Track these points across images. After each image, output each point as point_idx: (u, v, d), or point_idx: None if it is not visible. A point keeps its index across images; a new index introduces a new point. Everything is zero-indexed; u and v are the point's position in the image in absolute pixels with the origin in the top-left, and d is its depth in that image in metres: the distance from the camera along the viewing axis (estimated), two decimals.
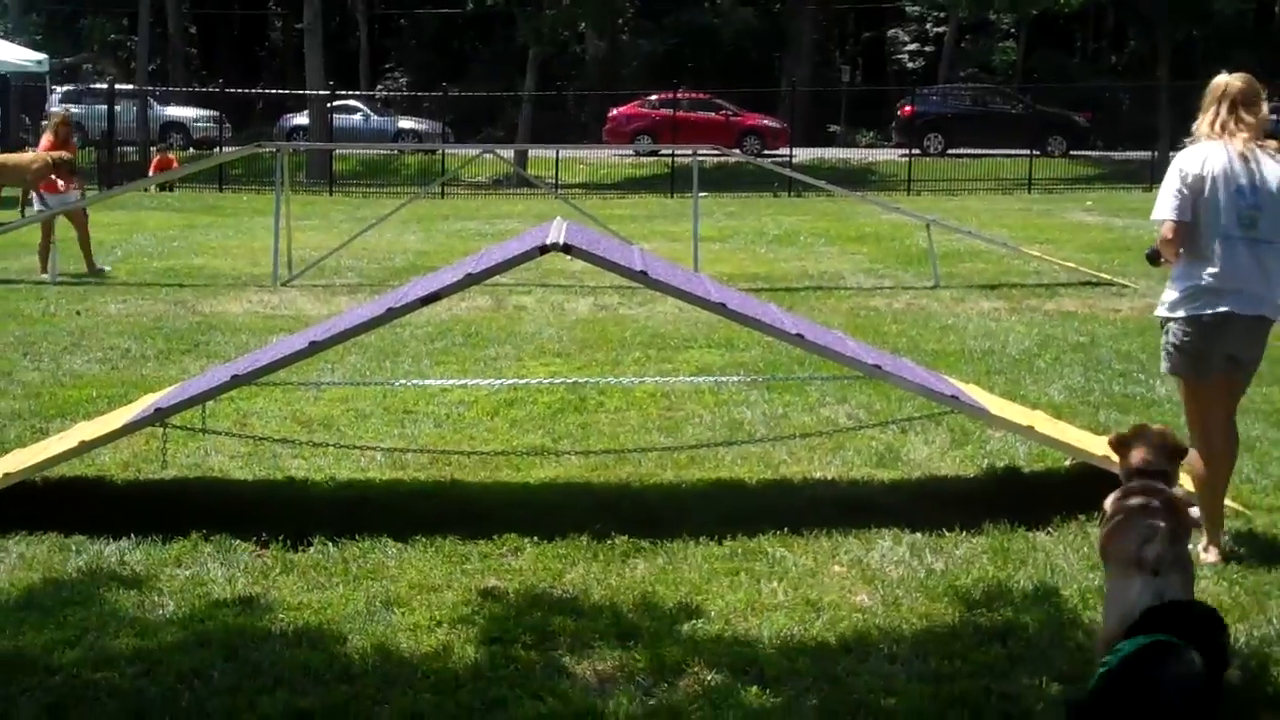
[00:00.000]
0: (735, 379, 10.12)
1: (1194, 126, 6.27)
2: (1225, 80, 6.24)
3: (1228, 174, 6.06)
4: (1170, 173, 6.19)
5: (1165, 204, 6.13)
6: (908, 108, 41.01)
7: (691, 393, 9.74)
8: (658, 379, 10.17)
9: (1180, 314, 6.19)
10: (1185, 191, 6.10)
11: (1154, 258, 6.36)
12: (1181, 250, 6.15)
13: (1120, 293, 14.95)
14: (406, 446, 8.26)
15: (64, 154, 16.65)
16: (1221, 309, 6.10)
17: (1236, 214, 6.05)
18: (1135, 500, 4.86)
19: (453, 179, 32.70)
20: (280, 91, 44.60)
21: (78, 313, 13.36)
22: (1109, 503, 4.99)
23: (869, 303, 14.46)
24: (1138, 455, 5.03)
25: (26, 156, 17.21)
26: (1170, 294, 6.26)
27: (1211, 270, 6.08)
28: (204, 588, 5.93)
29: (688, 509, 6.98)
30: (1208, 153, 6.12)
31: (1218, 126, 6.17)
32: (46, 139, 17.09)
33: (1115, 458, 5.25)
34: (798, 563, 6.17)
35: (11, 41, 34.16)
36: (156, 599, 5.79)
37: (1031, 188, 33.87)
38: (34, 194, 17.03)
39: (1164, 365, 6.40)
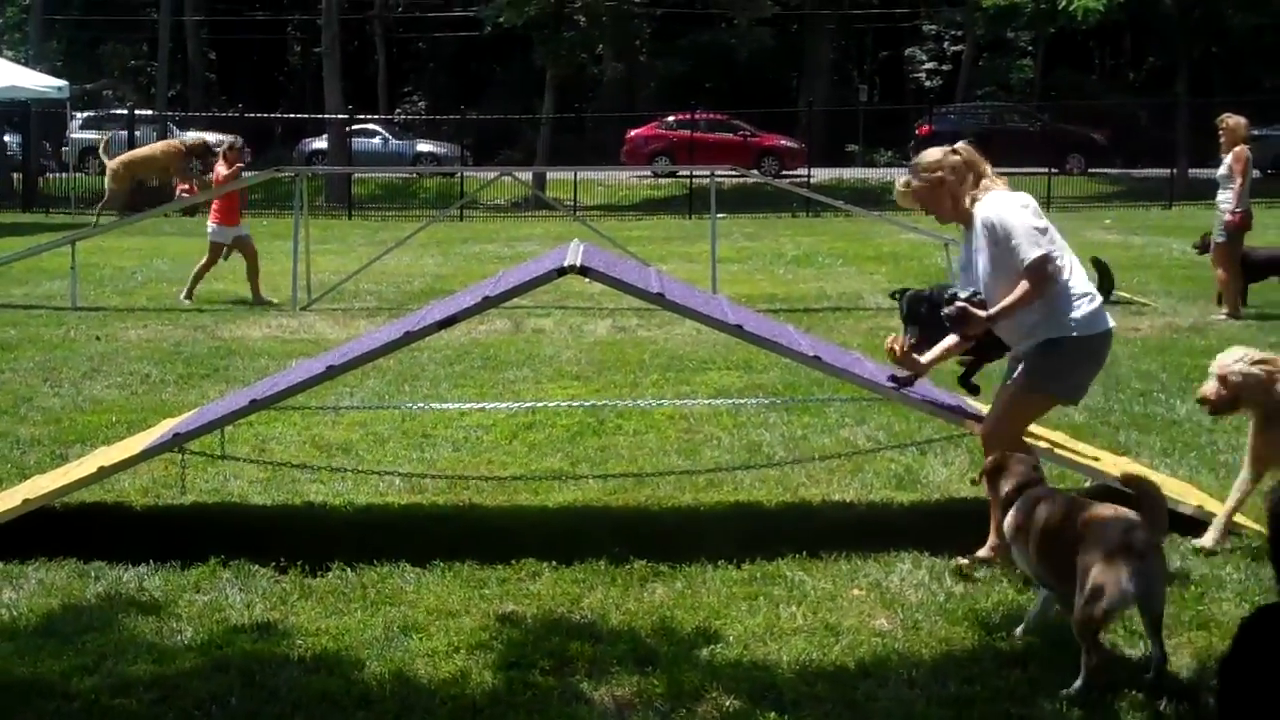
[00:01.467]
0: (754, 401, 10.10)
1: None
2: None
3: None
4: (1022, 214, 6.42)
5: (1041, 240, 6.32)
6: (926, 126, 40.95)
7: (710, 415, 9.72)
8: (676, 401, 10.15)
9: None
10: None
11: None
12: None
13: (1140, 311, 14.90)
14: (425, 471, 8.26)
15: (203, 139, 16.64)
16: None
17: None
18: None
19: (471, 202, 32.75)
20: (299, 116, 44.76)
21: (97, 338, 13.41)
22: (1015, 520, 5.51)
23: (888, 323, 14.38)
24: (1014, 477, 5.67)
25: (159, 146, 17.06)
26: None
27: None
28: (222, 613, 5.93)
29: (706, 532, 6.96)
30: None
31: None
32: (219, 168, 17.37)
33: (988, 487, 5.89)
34: (817, 586, 6.15)
35: (32, 68, 34.33)
36: (175, 625, 5.79)
37: (1050, 206, 33.68)
38: (178, 192, 16.94)
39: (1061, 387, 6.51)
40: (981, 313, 6.29)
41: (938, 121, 41.31)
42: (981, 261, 6.39)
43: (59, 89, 31.72)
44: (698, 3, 43.85)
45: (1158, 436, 8.84)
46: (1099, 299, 6.47)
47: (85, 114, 42.46)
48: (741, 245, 23.38)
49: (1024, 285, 6.19)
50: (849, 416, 9.56)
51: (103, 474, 6.85)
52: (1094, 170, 39.49)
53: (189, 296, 16.19)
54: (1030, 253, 6.21)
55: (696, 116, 39.82)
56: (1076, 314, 6.31)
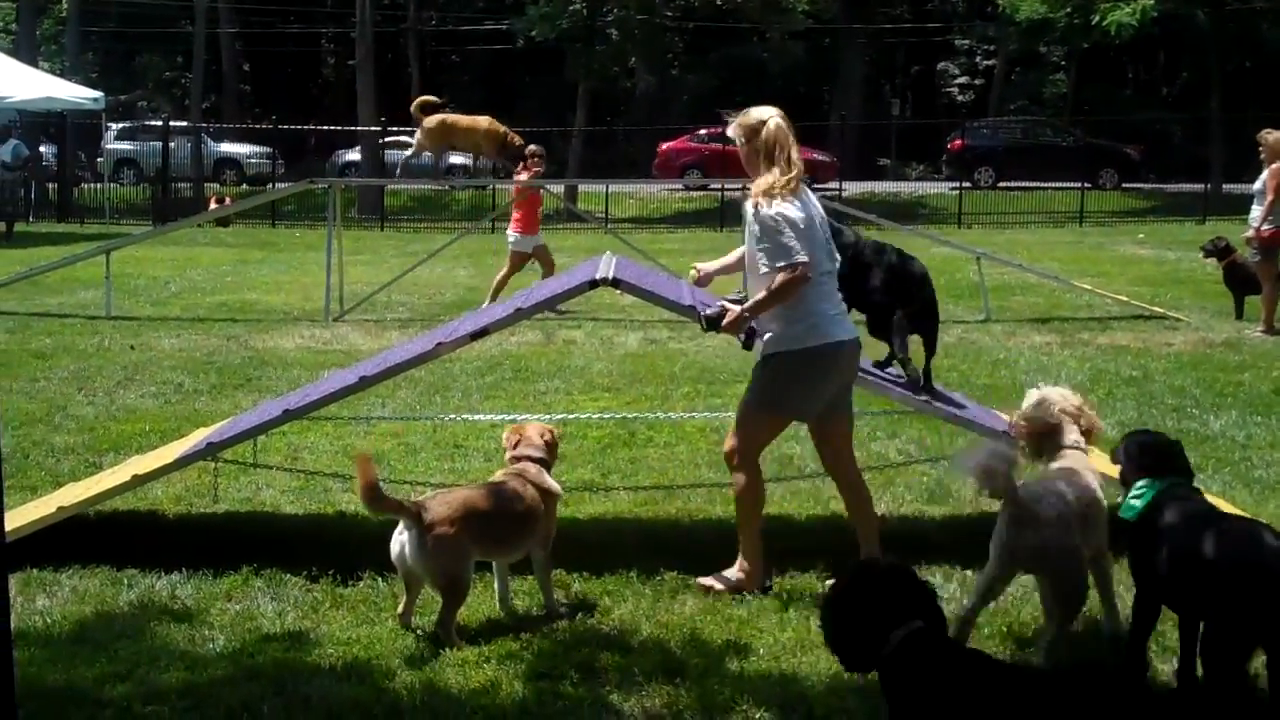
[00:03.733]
0: None
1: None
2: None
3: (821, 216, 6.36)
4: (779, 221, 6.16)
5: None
6: (958, 141, 40.95)
7: None
8: (707, 414, 10.16)
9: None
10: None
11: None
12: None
13: (1174, 326, 14.84)
14: (456, 482, 8.26)
15: (516, 138, 16.67)
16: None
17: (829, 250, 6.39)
18: None
19: (503, 214, 32.77)
20: (332, 128, 44.95)
21: (131, 347, 13.48)
22: None
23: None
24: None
25: (483, 121, 16.94)
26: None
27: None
28: (254, 622, 5.95)
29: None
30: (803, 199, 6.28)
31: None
32: (520, 174, 17.32)
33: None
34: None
35: (68, 79, 34.57)
36: (207, 633, 5.82)
37: (1083, 221, 33.73)
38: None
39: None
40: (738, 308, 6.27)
41: (970, 136, 41.26)
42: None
43: (94, 100, 31.90)
44: (730, 16, 43.81)
45: (1192, 452, 8.74)
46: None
47: (120, 125, 42.74)
48: None
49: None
50: (880, 430, 9.54)
51: (136, 482, 6.88)
52: (1127, 185, 39.35)
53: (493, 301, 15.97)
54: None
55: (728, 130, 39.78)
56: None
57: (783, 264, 6.07)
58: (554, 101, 46.74)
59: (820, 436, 6.61)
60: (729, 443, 6.50)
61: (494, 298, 16.00)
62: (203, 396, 11.14)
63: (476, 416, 10.08)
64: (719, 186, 35.08)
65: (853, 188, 36.87)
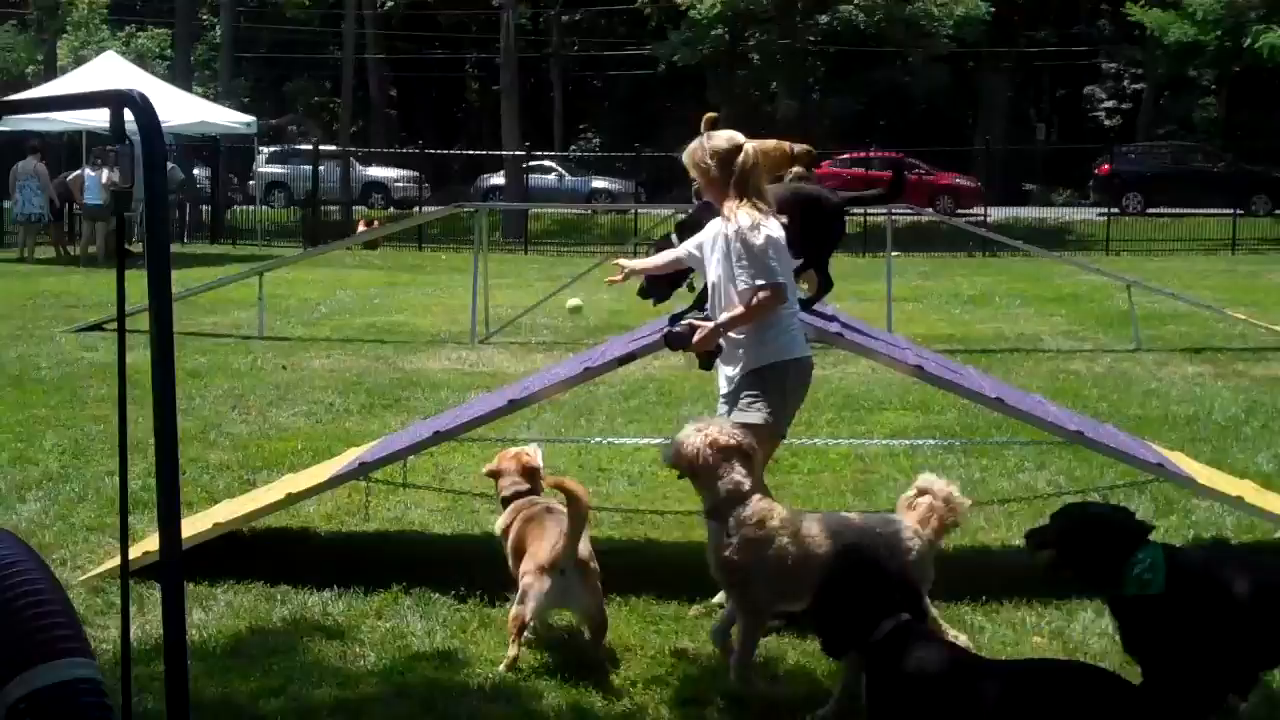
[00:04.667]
0: (931, 442, 10.00)
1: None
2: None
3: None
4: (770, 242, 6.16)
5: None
6: (1105, 166, 40.29)
7: (886, 455, 9.65)
8: (851, 441, 10.09)
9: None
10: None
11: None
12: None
13: None
14: (600, 505, 8.30)
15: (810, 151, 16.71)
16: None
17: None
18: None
19: (646, 238, 32.95)
20: (477, 152, 45.55)
21: (283, 367, 13.75)
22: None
23: (1068, 366, 14.19)
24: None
25: (769, 143, 16.84)
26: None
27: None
28: (404, 640, 6.04)
29: None
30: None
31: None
32: None
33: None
34: (997, 633, 6.06)
35: (221, 105, 35.45)
36: (358, 650, 5.91)
37: (1235, 248, 32.97)
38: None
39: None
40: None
41: (1118, 160, 40.58)
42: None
43: (247, 124, 32.70)
44: (872, 40, 43.59)
45: None
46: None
47: (271, 149, 43.71)
48: (916, 284, 23.18)
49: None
50: (1029, 460, 9.41)
51: (290, 500, 7.02)
52: None
53: None
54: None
55: (870, 154, 39.61)
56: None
57: (764, 283, 6.10)
58: (695, 126, 46.74)
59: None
60: None
61: None
62: (353, 416, 11.33)
63: (621, 440, 10.12)
64: (861, 211, 34.85)
65: (997, 213, 36.45)
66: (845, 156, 41.36)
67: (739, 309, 6.16)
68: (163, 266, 2.81)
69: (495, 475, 6.48)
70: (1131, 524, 4.93)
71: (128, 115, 2.93)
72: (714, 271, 6.33)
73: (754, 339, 6.27)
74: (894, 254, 18.26)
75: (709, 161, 6.33)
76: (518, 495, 6.29)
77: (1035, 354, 15.10)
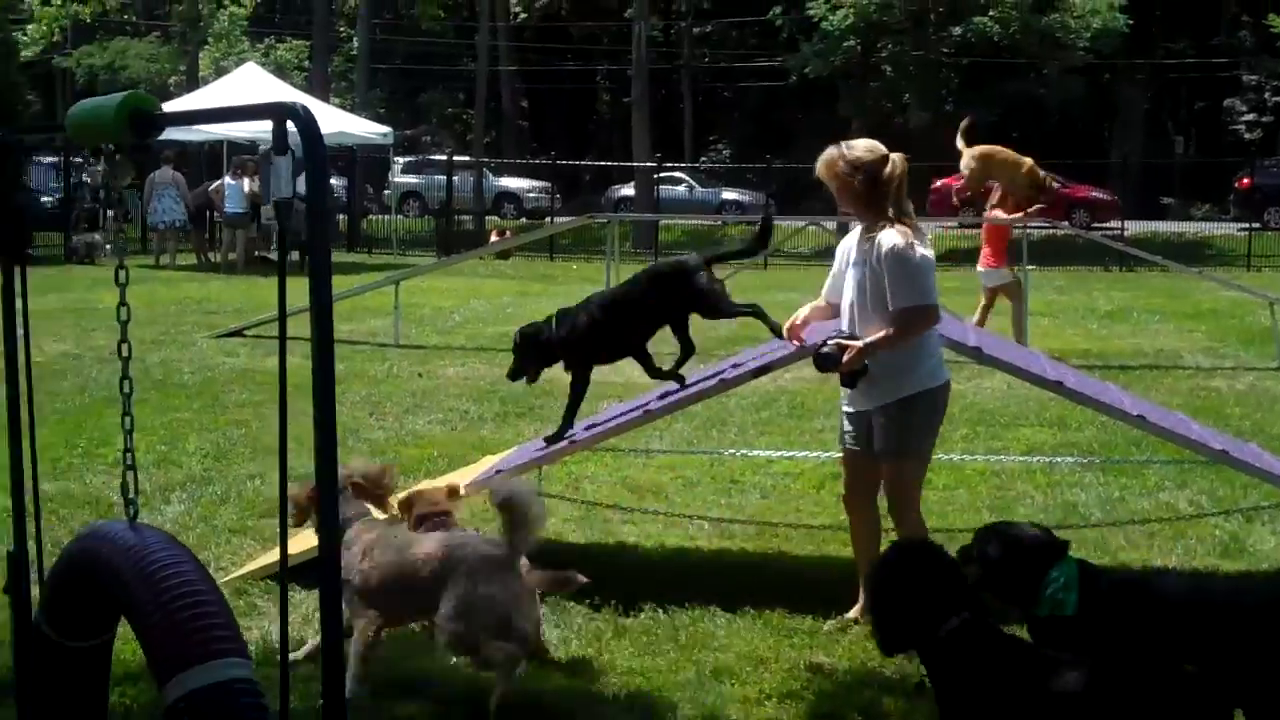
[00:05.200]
0: (1069, 460, 9.85)
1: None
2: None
3: None
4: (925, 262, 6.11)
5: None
6: (1246, 179, 39.40)
7: (1022, 472, 9.53)
8: (988, 457, 9.98)
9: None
10: None
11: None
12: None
13: None
14: (734, 517, 8.31)
15: (1052, 181, 16.55)
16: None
17: None
18: None
19: (776, 250, 32.87)
20: (608, 163, 45.78)
21: (419, 375, 13.92)
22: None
23: (1209, 383, 13.89)
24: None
25: (1026, 161, 16.77)
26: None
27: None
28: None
29: None
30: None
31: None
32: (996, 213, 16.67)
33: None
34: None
35: (358, 115, 36.00)
36: None
37: None
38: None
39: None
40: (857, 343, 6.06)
41: (1259, 174, 39.69)
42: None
43: (383, 135, 33.15)
44: (1007, 51, 43.08)
45: None
46: None
47: (405, 159, 44.30)
48: (1051, 298, 22.84)
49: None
50: (1169, 479, 9.23)
51: None
52: None
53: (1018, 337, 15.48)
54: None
55: None
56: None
57: (918, 305, 5.99)
58: (826, 137, 46.50)
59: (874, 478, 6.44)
60: (896, 516, 6.28)
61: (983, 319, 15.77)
62: (487, 424, 11.43)
63: (755, 452, 10.11)
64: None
65: (1134, 227, 35.83)
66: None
67: (890, 330, 6.00)
68: (324, 272, 2.87)
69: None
70: (1048, 543, 4.91)
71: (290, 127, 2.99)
72: (853, 290, 6.21)
73: (908, 363, 6.10)
74: (1029, 268, 18.01)
75: (851, 173, 6.16)
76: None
77: (1175, 371, 14.81)
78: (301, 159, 2.95)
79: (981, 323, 15.66)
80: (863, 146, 6.25)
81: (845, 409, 6.45)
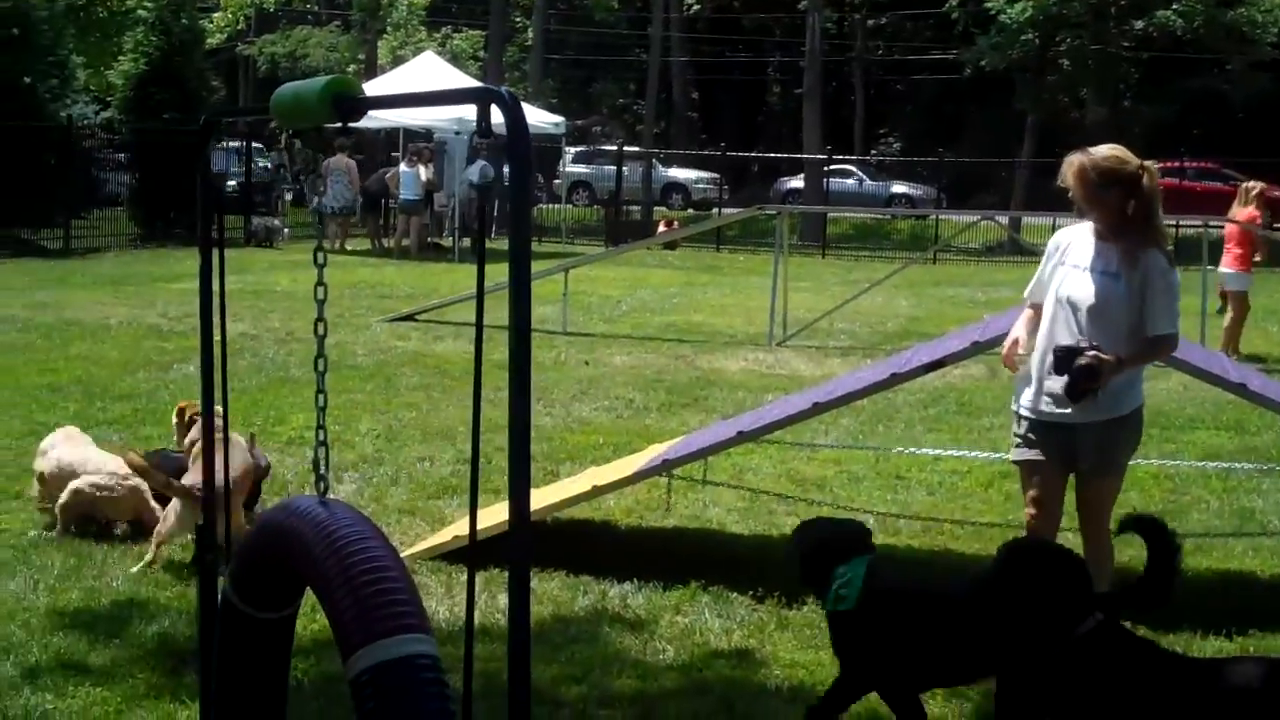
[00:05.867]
0: (1247, 466, 9.59)
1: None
2: None
3: None
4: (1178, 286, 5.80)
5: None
6: None
7: (1198, 477, 9.32)
8: (1161, 460, 9.76)
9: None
10: None
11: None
12: None
13: None
14: (900, 512, 8.25)
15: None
16: None
17: None
18: None
19: (946, 245, 32.51)
20: (777, 155, 45.63)
21: (586, 363, 14.04)
22: None
23: None
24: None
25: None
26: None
27: None
28: (702, 636, 6.11)
29: (1194, 599, 6.64)
30: None
31: None
32: (1246, 211, 16.64)
33: None
34: None
35: (532, 104, 36.35)
36: (657, 644, 6.01)
37: None
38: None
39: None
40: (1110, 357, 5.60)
41: None
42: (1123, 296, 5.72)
43: (556, 125, 33.40)
44: (1189, 46, 41.99)
45: None
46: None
47: (576, 149, 44.62)
48: None
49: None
50: None
51: (596, 492, 7.17)
52: None
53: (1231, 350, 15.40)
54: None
55: (1184, 165, 38.19)
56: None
57: (1170, 332, 5.74)
58: (999, 132, 45.97)
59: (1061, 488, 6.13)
60: (1092, 530, 6.03)
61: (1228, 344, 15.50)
62: (652, 413, 11.49)
63: (921, 450, 10.01)
64: (1173, 223, 33.68)
65: None
66: (1158, 166, 39.91)
67: (1144, 352, 5.78)
68: (524, 258, 2.93)
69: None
70: (843, 540, 5.04)
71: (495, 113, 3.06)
72: (1089, 296, 5.74)
73: (1133, 382, 5.87)
74: (1209, 268, 17.55)
75: (1104, 180, 5.77)
76: None
77: None
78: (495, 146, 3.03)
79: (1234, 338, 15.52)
80: (1109, 154, 5.84)
81: (1027, 414, 5.96)
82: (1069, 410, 5.71)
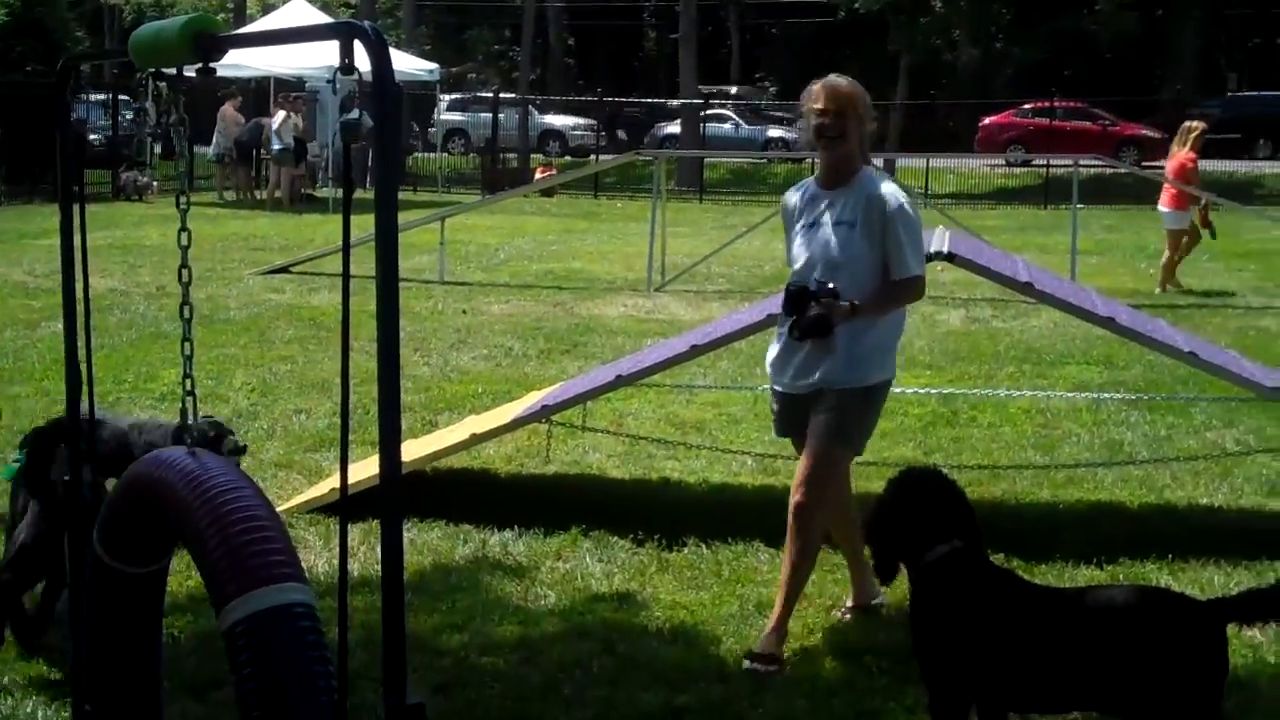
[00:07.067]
0: (1115, 397, 9.79)
1: None
2: None
3: None
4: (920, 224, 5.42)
5: None
6: None
7: (1068, 410, 9.48)
8: (1033, 394, 9.93)
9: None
10: None
11: None
12: None
13: None
14: (778, 453, 8.29)
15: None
16: None
17: None
18: None
19: None
20: (653, 100, 45.57)
21: (464, 312, 13.96)
22: None
23: (1258, 323, 13.77)
24: None
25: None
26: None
27: None
28: (583, 581, 6.11)
29: (1065, 530, 6.80)
30: None
31: None
32: (1184, 153, 16.28)
33: None
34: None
35: (405, 52, 35.90)
36: (538, 590, 6.01)
37: None
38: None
39: None
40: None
41: None
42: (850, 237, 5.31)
43: (430, 72, 33.00)
44: None
45: None
46: None
47: (451, 96, 44.17)
48: (1100, 238, 22.64)
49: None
50: (1216, 418, 9.17)
51: (473, 441, 7.15)
52: None
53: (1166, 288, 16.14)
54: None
55: (1054, 104, 38.76)
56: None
57: (921, 275, 5.33)
58: (875, 74, 46.26)
59: None
60: (798, 496, 5.40)
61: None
62: (531, 361, 11.46)
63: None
64: (1044, 163, 34.18)
65: None
66: (1028, 106, 40.54)
67: (887, 297, 5.33)
68: (391, 193, 2.89)
69: None
70: None
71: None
72: (823, 246, 5.38)
73: (878, 346, 5.44)
74: (1078, 206, 17.86)
75: (844, 106, 5.35)
76: None
77: (1224, 310, 14.69)
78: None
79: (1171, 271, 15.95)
80: (845, 82, 5.43)
81: (776, 388, 5.61)
82: (813, 379, 5.36)
